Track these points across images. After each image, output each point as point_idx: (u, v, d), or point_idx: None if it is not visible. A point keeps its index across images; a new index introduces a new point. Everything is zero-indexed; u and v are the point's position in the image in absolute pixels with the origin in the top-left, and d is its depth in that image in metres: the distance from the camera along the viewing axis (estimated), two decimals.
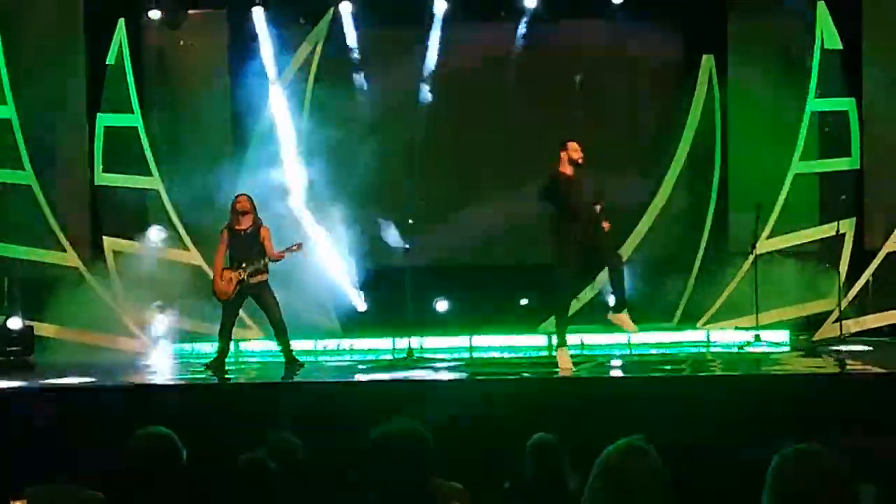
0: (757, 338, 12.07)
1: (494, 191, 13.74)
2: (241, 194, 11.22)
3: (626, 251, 13.66)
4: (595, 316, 12.07)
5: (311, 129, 13.89)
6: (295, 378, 10.64)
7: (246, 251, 10.89)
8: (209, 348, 11.77)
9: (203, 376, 10.84)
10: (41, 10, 13.12)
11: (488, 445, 8.73)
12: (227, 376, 10.87)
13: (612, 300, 10.52)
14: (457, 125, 13.91)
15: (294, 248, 11.11)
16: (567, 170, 10.26)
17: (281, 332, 11.04)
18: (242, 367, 11.74)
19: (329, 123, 13.76)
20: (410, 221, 12.80)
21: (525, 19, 13.74)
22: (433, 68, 13.73)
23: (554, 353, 10.73)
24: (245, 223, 10.95)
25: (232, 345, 11.28)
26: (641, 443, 3.12)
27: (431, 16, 13.56)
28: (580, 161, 10.17)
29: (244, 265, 10.83)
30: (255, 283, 10.87)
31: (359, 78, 13.80)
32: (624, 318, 10.36)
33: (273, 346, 11.51)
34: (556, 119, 13.67)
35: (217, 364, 11.00)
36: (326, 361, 12.06)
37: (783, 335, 12.18)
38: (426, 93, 13.71)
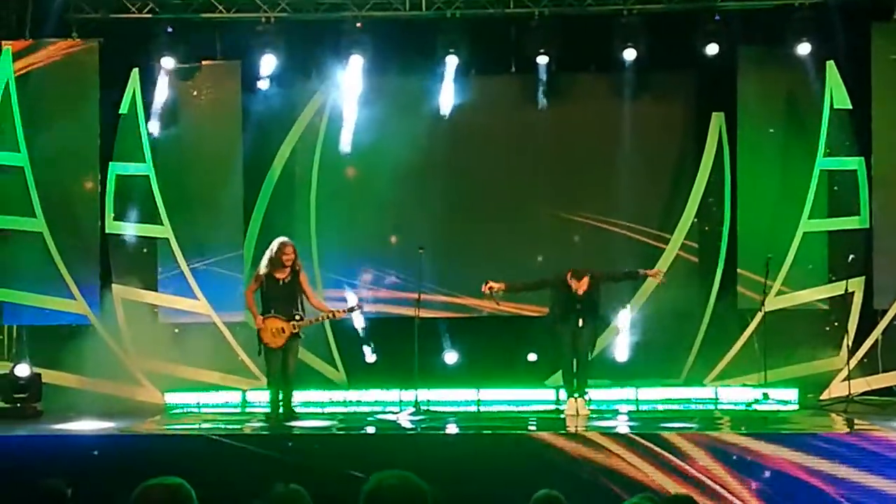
0: (765, 396, 12.02)
1: (506, 245, 13.69)
2: (287, 244, 10.86)
3: (634, 306, 13.64)
4: (600, 372, 12.16)
5: (322, 178, 13.96)
6: (301, 430, 10.61)
7: (288, 299, 10.78)
8: (218, 399, 11.73)
9: (208, 425, 10.81)
10: (56, 59, 13.21)
11: (494, 500, 8.71)
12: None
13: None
14: (466, 180, 13.88)
15: (356, 306, 11.20)
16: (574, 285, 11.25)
17: (289, 381, 11.01)
18: (248, 417, 11.68)
19: (339, 173, 13.87)
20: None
21: (536, 74, 13.75)
22: (443, 122, 13.76)
23: (562, 408, 11.63)
24: (286, 273, 10.82)
25: (240, 395, 11.23)
26: (652, 501, 3.12)
27: (443, 69, 13.59)
28: (580, 292, 11.22)
29: (296, 317, 10.75)
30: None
31: (369, 129, 13.81)
32: (572, 404, 11.28)
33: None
34: (565, 174, 13.72)
35: (288, 410, 10.94)
36: (333, 413, 12.00)
37: (792, 394, 12.12)
38: (435, 145, 13.72)
